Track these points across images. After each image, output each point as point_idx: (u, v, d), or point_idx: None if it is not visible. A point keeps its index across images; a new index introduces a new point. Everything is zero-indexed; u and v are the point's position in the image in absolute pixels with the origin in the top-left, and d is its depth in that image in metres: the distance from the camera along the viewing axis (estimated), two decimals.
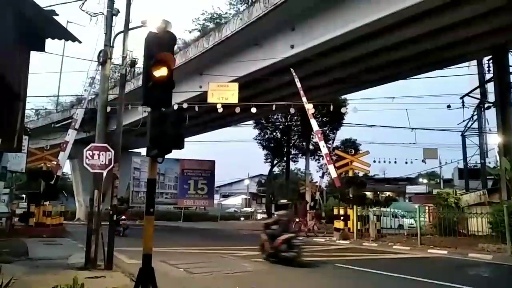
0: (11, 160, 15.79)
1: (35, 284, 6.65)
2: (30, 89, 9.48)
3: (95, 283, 7.15)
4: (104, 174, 9.38)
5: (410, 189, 47.09)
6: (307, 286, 8.15)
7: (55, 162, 19.02)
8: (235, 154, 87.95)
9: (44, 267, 8.84)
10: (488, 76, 23.12)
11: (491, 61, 21.50)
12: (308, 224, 21.01)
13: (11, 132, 8.01)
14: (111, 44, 9.98)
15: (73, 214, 36.11)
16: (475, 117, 25.06)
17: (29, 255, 10.80)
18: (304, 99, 18.55)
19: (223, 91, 18.16)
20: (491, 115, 22.58)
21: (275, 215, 12.06)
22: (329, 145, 33.20)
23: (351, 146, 34.26)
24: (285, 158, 40.55)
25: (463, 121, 25.71)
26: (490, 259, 12.00)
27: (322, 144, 19.53)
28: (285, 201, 13.59)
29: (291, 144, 39.13)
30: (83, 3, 10.35)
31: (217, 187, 50.35)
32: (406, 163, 33.48)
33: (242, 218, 44.73)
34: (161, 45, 4.86)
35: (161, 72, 4.67)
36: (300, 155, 40.30)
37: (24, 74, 8.51)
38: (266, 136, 39.94)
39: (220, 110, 18.69)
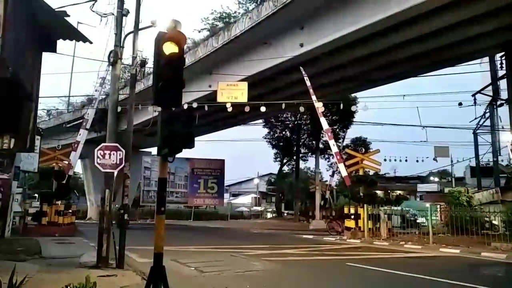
0: (24, 160, 15.98)
1: (48, 283, 6.72)
2: (42, 89, 9.59)
3: (107, 281, 7.20)
4: (115, 174, 9.44)
5: (421, 187, 46.64)
6: (319, 285, 8.12)
7: (66, 162, 19.25)
8: (244, 153, 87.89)
9: (57, 266, 8.93)
10: (501, 73, 22.81)
11: (503, 57, 21.19)
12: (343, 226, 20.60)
13: (23, 133, 8.10)
14: (121, 45, 10.04)
15: (84, 213, 36.48)
16: (487, 115, 24.74)
17: (42, 253, 10.92)
18: (313, 97, 18.50)
19: (232, 90, 18.19)
20: (503, 112, 22.29)
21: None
22: (339, 144, 33.07)
23: (361, 144, 33.96)
24: (294, 157, 40.48)
25: (475, 118, 25.44)
26: (504, 259, 11.83)
27: (332, 142, 19.48)
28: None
29: (300, 143, 39.04)
30: (93, 4, 10.46)
31: (227, 186, 50.44)
32: (417, 161, 33.05)
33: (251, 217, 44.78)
34: None
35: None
36: (309, 154, 40.21)
37: (36, 75, 8.60)
38: (276, 135, 39.91)
39: (230, 109, 18.71)
